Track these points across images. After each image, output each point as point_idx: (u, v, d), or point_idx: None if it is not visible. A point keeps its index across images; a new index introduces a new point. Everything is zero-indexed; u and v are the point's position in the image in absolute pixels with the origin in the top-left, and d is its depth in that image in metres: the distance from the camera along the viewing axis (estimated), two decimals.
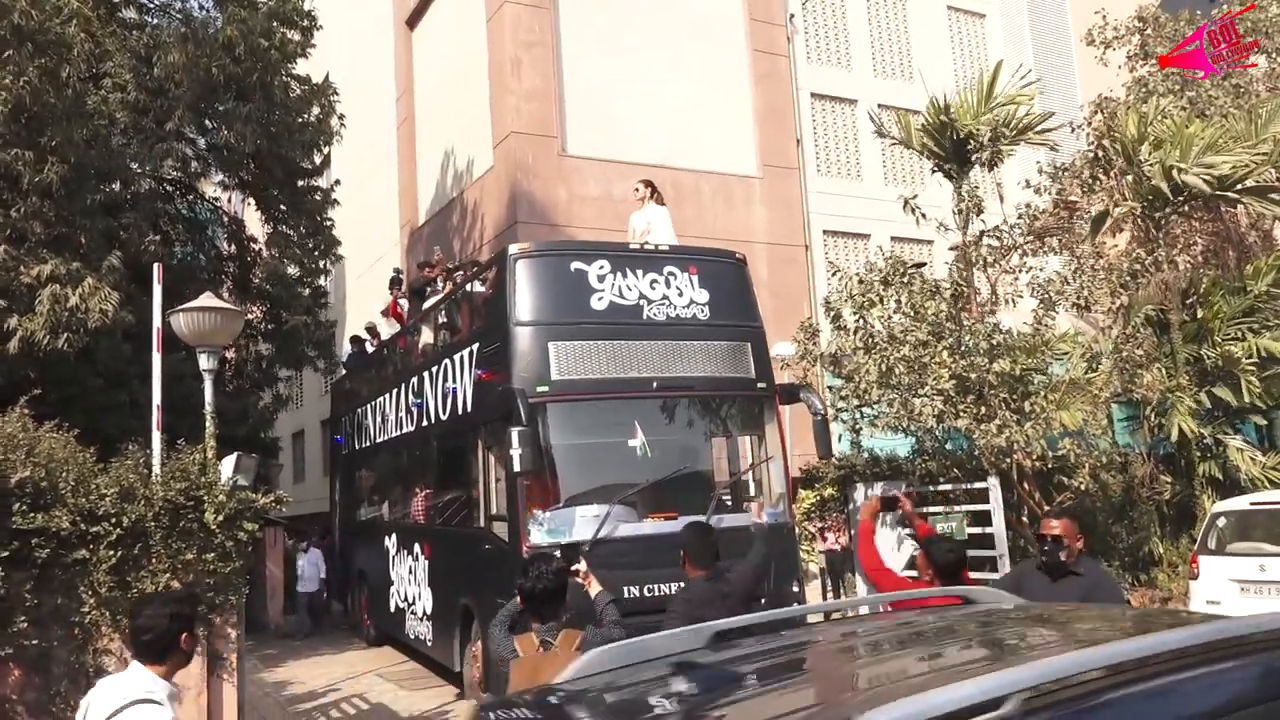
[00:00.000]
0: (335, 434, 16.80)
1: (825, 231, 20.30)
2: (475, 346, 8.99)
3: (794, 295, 18.67)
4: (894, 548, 10.21)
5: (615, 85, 18.22)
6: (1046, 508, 10.50)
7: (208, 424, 7.46)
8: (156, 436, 7.15)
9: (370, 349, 15.26)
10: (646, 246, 9.03)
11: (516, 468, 7.20)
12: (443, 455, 10.48)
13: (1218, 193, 12.28)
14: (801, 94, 20.53)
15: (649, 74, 18.52)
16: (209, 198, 19.12)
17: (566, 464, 7.96)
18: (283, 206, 17.00)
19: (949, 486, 10.95)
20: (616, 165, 17.45)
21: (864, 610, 6.41)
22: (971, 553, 10.19)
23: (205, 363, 7.94)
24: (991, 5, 23.78)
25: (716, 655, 2.40)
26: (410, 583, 11.06)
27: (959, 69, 22.41)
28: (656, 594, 7.14)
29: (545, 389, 7.75)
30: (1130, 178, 12.85)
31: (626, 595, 7.05)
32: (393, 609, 11.81)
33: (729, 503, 8.50)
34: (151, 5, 16.20)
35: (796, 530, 9.79)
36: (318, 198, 17.52)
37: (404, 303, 14.31)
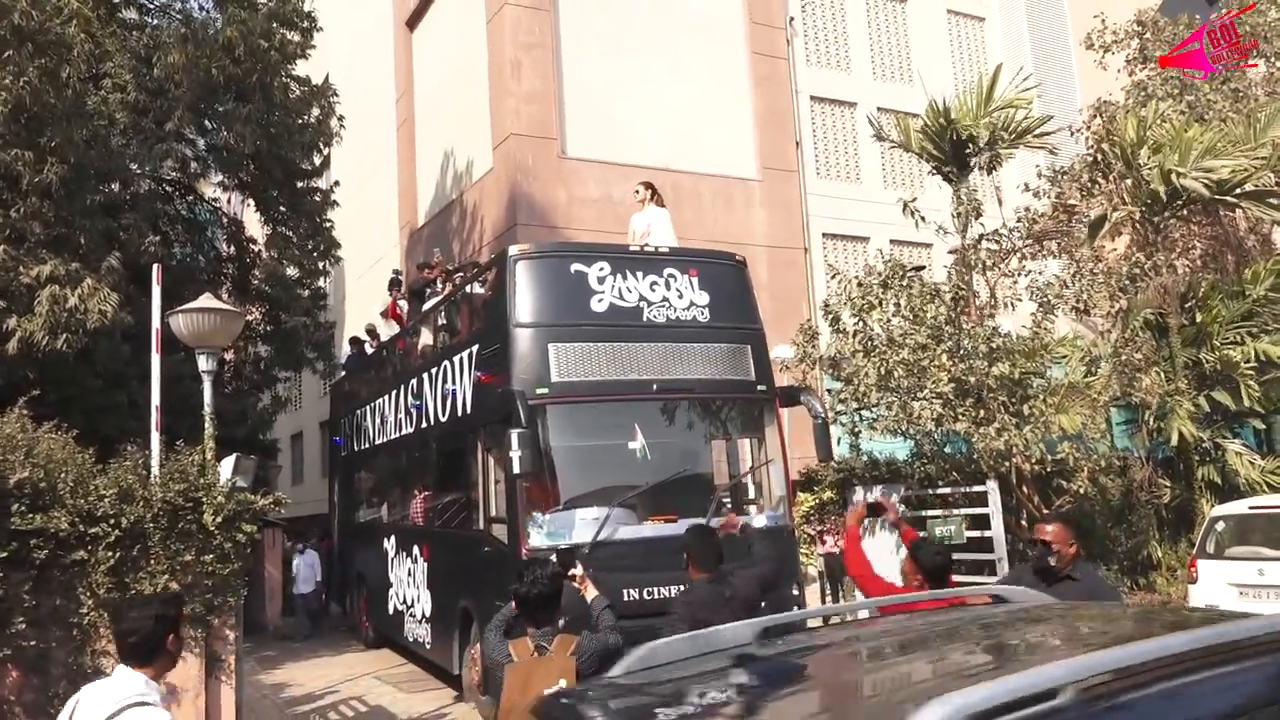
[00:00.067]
0: (334, 436, 16.79)
1: (824, 234, 20.31)
2: (475, 348, 8.98)
3: (793, 298, 18.68)
4: (892, 551, 10.19)
5: (615, 87, 18.23)
6: (1045, 511, 10.50)
7: (207, 425, 7.46)
8: (155, 438, 7.14)
9: (369, 350, 15.25)
10: (646, 248, 9.03)
11: (516, 470, 7.19)
12: (442, 457, 10.48)
13: (1216, 197, 12.29)
14: (801, 97, 20.55)
15: (649, 76, 18.54)
16: (208, 199, 19.12)
17: (566, 466, 7.95)
18: (282, 208, 17.00)
19: (948, 490, 10.94)
20: (616, 167, 17.46)
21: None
22: (970, 556, 10.25)
23: (204, 364, 7.93)
24: (991, 9, 23.82)
25: (773, 649, 2.46)
26: (409, 585, 11.05)
27: (958, 72, 22.45)
28: (656, 596, 7.14)
29: (545, 391, 7.74)
30: (1129, 181, 12.86)
31: (626, 598, 7.04)
32: (391, 611, 11.79)
33: (729, 505, 8.49)
34: (152, 6, 16.20)
35: (796, 533, 9.78)
36: (317, 199, 17.52)
37: (403, 304, 14.31)
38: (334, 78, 17.84)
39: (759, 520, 8.21)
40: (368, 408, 13.84)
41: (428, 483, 11.00)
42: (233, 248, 18.38)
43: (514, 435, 7.16)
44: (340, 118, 17.44)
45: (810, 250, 19.92)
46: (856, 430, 11.40)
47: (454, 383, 9.50)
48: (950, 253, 12.14)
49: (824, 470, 12.53)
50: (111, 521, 6.15)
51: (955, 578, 9.82)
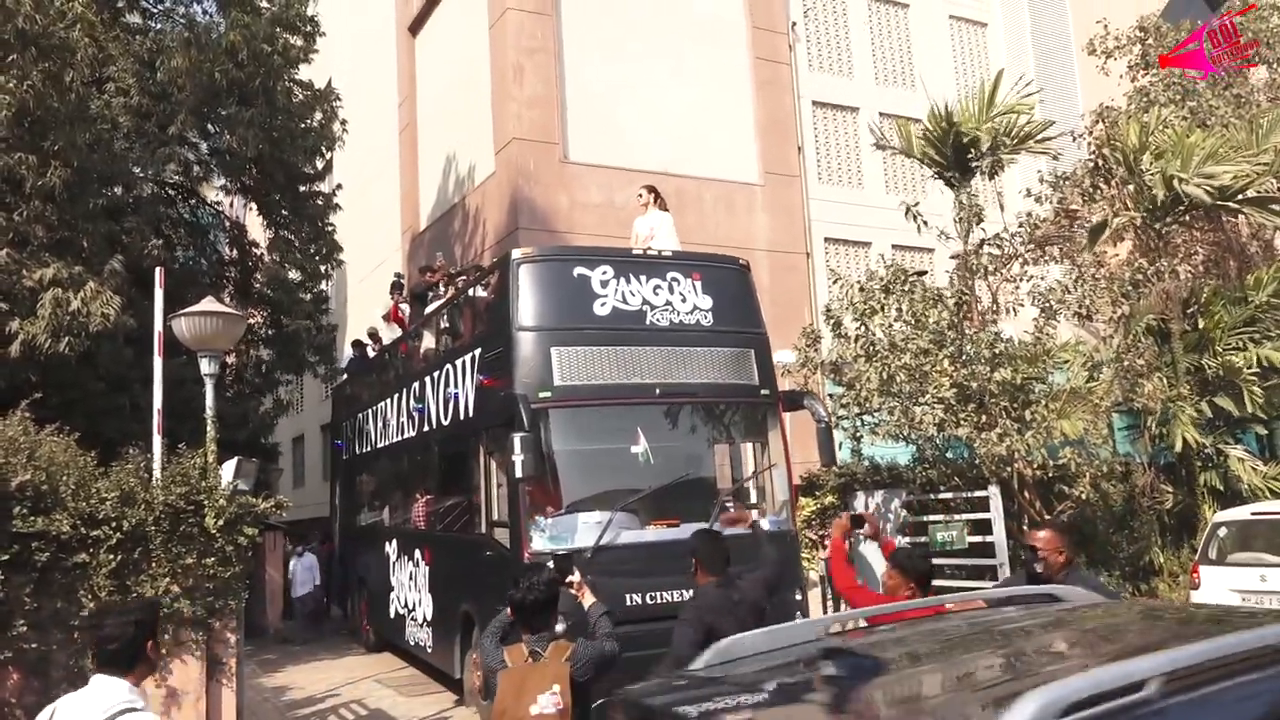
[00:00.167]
0: (336, 439, 16.80)
1: (826, 239, 20.32)
2: (477, 352, 8.97)
3: (795, 303, 18.67)
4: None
5: (617, 92, 18.25)
6: (1048, 517, 10.48)
7: (208, 428, 7.47)
8: (157, 441, 7.15)
9: (371, 354, 15.26)
10: (650, 252, 9.02)
11: (518, 473, 7.18)
12: (444, 461, 10.46)
13: (1219, 203, 12.27)
14: (803, 102, 20.57)
15: (651, 81, 18.56)
16: (211, 202, 19.14)
17: (569, 470, 7.94)
18: (284, 211, 17.02)
19: (950, 495, 10.93)
20: (618, 172, 17.47)
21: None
22: (972, 561, 10.26)
23: (206, 367, 7.94)
24: (993, 14, 23.86)
25: (855, 642, 2.55)
26: (410, 588, 11.03)
27: (960, 77, 22.46)
28: (659, 601, 7.13)
29: (548, 394, 7.73)
30: (1131, 187, 12.85)
31: (629, 602, 7.03)
32: (393, 615, 11.77)
33: (732, 510, 8.48)
34: (155, 10, 16.25)
35: (799, 538, 9.76)
36: (319, 203, 17.53)
37: (405, 308, 14.33)
38: (337, 82, 17.87)
39: (762, 524, 8.19)
40: (369, 411, 13.83)
41: (429, 486, 10.99)
42: (235, 251, 18.39)
43: (516, 439, 7.15)
44: (343, 122, 17.47)
45: (812, 255, 19.93)
46: (858, 435, 11.39)
47: (456, 386, 9.50)
48: (952, 258, 12.13)
49: (825, 475, 12.50)
50: (113, 524, 6.15)
51: (955, 583, 9.87)
